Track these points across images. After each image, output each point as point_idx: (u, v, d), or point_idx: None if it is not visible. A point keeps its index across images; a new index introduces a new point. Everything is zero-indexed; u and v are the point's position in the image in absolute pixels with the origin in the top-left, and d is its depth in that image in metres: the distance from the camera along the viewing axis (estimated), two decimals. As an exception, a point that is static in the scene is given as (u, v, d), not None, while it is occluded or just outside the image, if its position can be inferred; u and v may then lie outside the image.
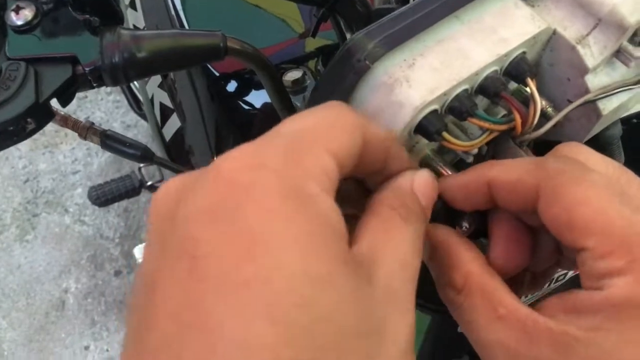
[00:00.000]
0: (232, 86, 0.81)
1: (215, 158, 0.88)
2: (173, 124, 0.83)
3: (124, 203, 1.92)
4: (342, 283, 0.22)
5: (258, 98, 0.81)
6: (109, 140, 0.50)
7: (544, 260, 0.33)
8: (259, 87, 0.83)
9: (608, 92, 0.37)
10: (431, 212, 0.30)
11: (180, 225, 0.22)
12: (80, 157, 2.06)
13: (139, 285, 0.23)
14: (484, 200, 0.31)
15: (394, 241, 0.26)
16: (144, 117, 1.55)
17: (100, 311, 1.78)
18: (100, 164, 2.04)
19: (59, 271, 1.85)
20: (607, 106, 0.38)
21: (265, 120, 0.82)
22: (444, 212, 0.33)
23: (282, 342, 0.20)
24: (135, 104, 1.53)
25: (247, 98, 0.82)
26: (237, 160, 0.23)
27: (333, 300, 0.21)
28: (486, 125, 0.33)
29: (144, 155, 0.52)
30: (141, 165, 1.45)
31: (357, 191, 0.32)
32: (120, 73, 0.38)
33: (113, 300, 1.80)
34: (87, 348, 1.72)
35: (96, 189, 1.48)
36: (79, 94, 1.63)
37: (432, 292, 0.32)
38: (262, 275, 0.21)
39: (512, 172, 0.30)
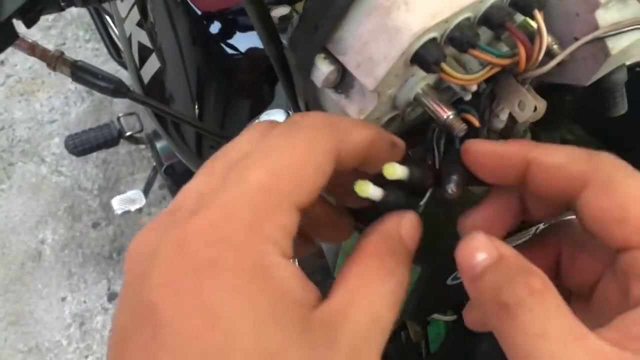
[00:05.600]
0: (215, 27, 0.78)
1: (196, 108, 0.85)
2: (152, 65, 0.79)
3: (102, 154, 1.88)
4: (294, 355, 0.23)
5: (243, 41, 0.77)
6: (79, 72, 0.47)
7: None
8: (244, 29, 0.79)
9: (619, 29, 0.34)
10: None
11: (146, 293, 0.24)
12: (58, 106, 2.01)
13: (111, 344, 0.25)
14: (514, 176, 0.30)
15: (370, 295, 0.26)
16: (124, 65, 1.50)
17: (77, 263, 1.76)
18: (78, 113, 1.99)
19: (36, 222, 1.82)
20: (617, 45, 0.35)
21: (251, 66, 0.78)
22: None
23: None
24: (115, 51, 1.48)
25: (232, 41, 0.78)
26: (200, 235, 0.24)
27: None
28: (488, 58, 0.30)
29: (117, 89, 0.48)
30: (120, 115, 1.41)
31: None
32: (91, -10, 0.34)
33: (91, 252, 1.78)
34: (63, 299, 1.71)
35: (73, 138, 1.44)
36: (56, 42, 1.57)
37: (424, 245, 0.31)
38: (220, 350, 0.22)
39: (558, 155, 0.29)
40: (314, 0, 0.31)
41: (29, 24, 0.35)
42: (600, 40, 0.34)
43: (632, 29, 0.35)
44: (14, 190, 1.87)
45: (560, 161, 0.28)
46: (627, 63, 0.50)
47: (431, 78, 0.33)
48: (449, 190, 0.31)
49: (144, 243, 0.26)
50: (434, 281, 0.39)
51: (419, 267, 0.39)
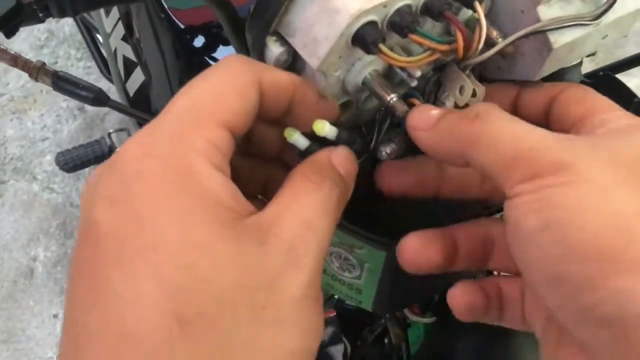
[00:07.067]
0: (199, 41, 0.79)
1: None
2: (137, 78, 0.81)
3: (94, 170, 1.89)
4: (221, 247, 0.25)
5: (227, 54, 0.78)
6: (60, 82, 0.48)
7: None
8: (227, 42, 0.81)
9: (559, 23, 0.36)
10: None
11: (88, 211, 0.27)
12: (50, 124, 2.03)
13: (69, 272, 0.28)
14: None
15: (300, 203, 0.29)
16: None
17: (69, 280, 1.76)
18: (70, 131, 2.01)
19: (28, 239, 1.83)
20: (559, 40, 0.37)
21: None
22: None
23: (166, 298, 0.24)
24: (105, 69, 1.50)
25: (216, 54, 0.79)
26: (129, 152, 0.27)
27: (210, 263, 0.25)
28: (427, 42, 0.32)
29: (97, 97, 0.50)
30: (111, 131, 1.42)
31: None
32: (66, 3, 0.36)
33: (82, 270, 1.77)
34: (55, 316, 1.70)
35: (64, 154, 1.45)
36: (48, 60, 1.58)
37: (385, 226, 0.32)
38: (149, 244, 0.25)
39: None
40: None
41: (9, 34, 0.36)
42: (543, 34, 0.36)
43: (573, 25, 0.36)
44: (6, 208, 1.88)
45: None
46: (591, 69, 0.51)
47: (379, 64, 0.35)
48: (383, 153, 0.33)
49: (90, 179, 0.29)
50: (401, 269, 0.40)
51: (383, 252, 0.41)
